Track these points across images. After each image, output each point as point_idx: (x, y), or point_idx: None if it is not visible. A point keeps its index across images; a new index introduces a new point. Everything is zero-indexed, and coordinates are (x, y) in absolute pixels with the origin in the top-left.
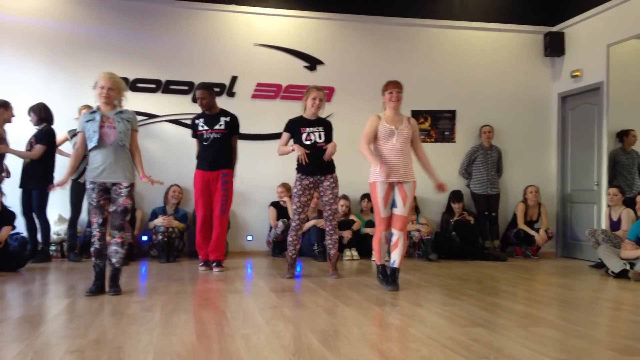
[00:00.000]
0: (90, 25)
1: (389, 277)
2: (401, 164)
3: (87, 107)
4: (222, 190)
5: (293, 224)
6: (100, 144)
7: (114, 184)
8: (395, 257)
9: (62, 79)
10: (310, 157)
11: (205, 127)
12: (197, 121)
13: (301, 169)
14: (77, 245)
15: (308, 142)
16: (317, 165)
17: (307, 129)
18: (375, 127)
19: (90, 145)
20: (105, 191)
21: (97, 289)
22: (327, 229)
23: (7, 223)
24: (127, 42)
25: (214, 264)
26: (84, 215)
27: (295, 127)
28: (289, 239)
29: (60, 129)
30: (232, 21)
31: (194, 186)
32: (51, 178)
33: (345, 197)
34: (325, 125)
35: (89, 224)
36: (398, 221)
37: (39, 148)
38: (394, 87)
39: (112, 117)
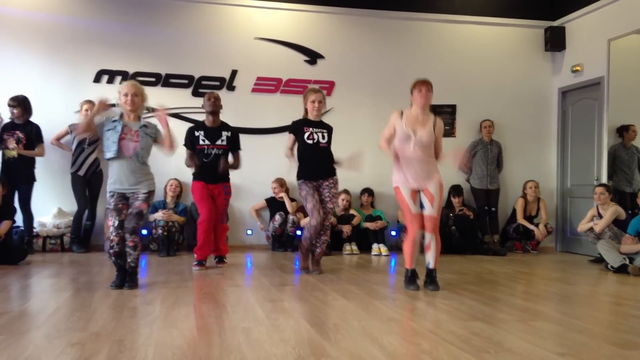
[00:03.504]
0: (89, 19)
1: (416, 280)
2: (419, 172)
3: (89, 102)
4: (225, 201)
5: (312, 222)
6: (119, 155)
7: (133, 192)
8: (430, 259)
9: (61, 73)
10: (311, 159)
11: (207, 142)
12: (197, 133)
13: (302, 174)
14: (80, 238)
15: (310, 142)
16: (319, 167)
17: (311, 129)
18: (393, 126)
19: (108, 155)
20: (124, 197)
21: (121, 282)
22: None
23: (8, 217)
24: (126, 36)
25: (217, 259)
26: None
27: (298, 126)
28: (307, 234)
29: (59, 122)
30: (232, 14)
31: (194, 195)
32: (34, 172)
33: (346, 191)
34: (329, 128)
35: (89, 217)
36: (429, 222)
37: (42, 146)
38: (423, 85)
39: (135, 129)
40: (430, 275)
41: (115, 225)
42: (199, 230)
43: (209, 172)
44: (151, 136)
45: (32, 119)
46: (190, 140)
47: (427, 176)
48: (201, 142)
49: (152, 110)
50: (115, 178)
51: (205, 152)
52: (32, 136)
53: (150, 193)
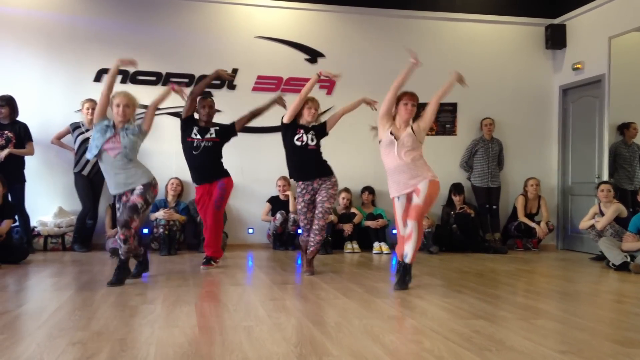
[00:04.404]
0: (90, 18)
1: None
2: (408, 178)
3: (91, 101)
4: (219, 190)
5: (303, 238)
6: (105, 158)
7: (131, 191)
8: (408, 251)
9: (61, 72)
10: (298, 160)
11: (198, 137)
12: (193, 125)
13: (296, 174)
14: (82, 237)
15: (298, 143)
16: (308, 168)
17: (302, 131)
18: (390, 119)
19: (89, 155)
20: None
21: (138, 272)
22: (314, 227)
23: (8, 216)
24: (127, 35)
25: (204, 260)
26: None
27: (293, 125)
28: (301, 243)
29: (60, 122)
30: (233, 13)
31: (196, 201)
32: (24, 172)
33: (346, 189)
34: (320, 127)
35: (91, 216)
36: (412, 210)
37: (31, 144)
38: (409, 98)
39: (118, 132)
40: (403, 271)
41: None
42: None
43: (199, 169)
44: (133, 134)
45: (36, 118)
46: (189, 123)
47: (416, 179)
48: (193, 135)
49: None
50: (108, 181)
51: (195, 144)
52: (22, 135)
53: (146, 186)
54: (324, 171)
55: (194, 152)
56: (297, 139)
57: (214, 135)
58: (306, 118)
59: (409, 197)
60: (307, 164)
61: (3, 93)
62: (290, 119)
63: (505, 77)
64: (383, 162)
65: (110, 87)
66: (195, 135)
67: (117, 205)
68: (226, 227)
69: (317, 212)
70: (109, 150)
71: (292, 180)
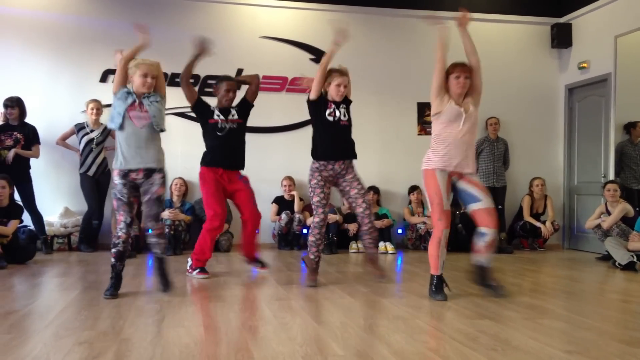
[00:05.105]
0: (95, 19)
1: (444, 288)
2: (460, 158)
3: (95, 101)
4: (249, 189)
5: (316, 219)
6: (129, 128)
7: (146, 175)
8: (488, 257)
9: (67, 73)
10: (328, 138)
11: (222, 117)
12: (212, 107)
13: (322, 152)
14: (88, 238)
15: (330, 118)
16: (337, 147)
17: (333, 105)
18: (446, 93)
19: (111, 125)
20: (136, 188)
21: (116, 290)
22: (364, 228)
23: (15, 216)
24: (132, 35)
25: (258, 263)
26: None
27: (323, 100)
28: (312, 238)
29: (66, 122)
30: (237, 13)
31: (205, 184)
32: (30, 172)
33: None
34: (348, 102)
35: (97, 217)
36: (488, 215)
37: (38, 147)
38: (461, 70)
39: (142, 101)
40: (489, 276)
41: (127, 222)
42: (207, 237)
43: (223, 151)
44: (157, 101)
45: (42, 118)
46: (202, 106)
47: (468, 163)
48: (215, 117)
49: None
50: (126, 153)
51: (219, 126)
52: (30, 137)
53: (164, 174)
54: (350, 152)
55: (218, 133)
56: (329, 114)
57: (236, 117)
58: (335, 97)
59: (450, 178)
60: (336, 142)
61: (9, 94)
62: (316, 94)
63: (510, 76)
64: (436, 135)
65: (129, 60)
66: (218, 116)
67: (124, 191)
68: (231, 226)
69: (360, 209)
70: (134, 118)
71: (296, 180)
